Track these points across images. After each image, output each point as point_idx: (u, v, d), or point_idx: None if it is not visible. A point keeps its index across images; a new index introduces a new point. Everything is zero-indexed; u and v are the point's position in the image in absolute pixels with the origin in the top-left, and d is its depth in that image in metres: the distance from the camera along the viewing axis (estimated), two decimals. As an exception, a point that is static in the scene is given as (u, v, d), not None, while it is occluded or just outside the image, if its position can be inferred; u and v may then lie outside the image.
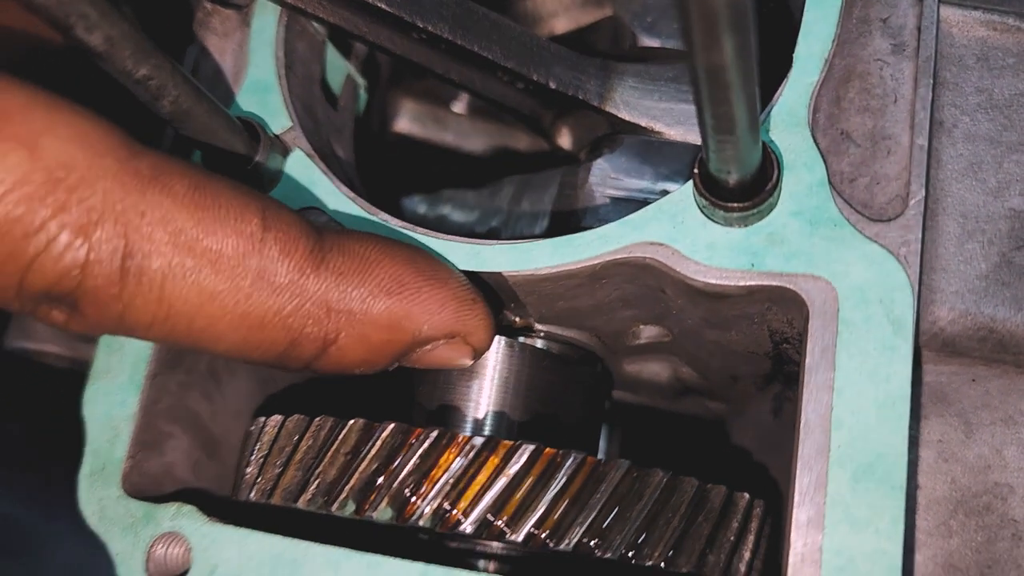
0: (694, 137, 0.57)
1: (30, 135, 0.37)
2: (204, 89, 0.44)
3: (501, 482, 0.41)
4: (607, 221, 0.54)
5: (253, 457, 0.47)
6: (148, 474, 0.49)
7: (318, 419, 0.44)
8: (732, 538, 0.42)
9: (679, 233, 0.44)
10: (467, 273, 0.46)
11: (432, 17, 0.53)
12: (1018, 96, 0.45)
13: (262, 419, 0.47)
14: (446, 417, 0.50)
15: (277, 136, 0.50)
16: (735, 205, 0.42)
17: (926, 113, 0.44)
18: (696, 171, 0.42)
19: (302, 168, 0.50)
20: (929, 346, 0.44)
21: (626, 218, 0.45)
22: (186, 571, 0.45)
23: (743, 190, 0.42)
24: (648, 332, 0.54)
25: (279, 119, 0.51)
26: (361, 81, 0.63)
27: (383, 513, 0.42)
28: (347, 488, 0.42)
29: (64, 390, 0.64)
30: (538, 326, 0.52)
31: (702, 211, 0.44)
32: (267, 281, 0.41)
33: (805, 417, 0.41)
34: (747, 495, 0.44)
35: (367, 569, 0.42)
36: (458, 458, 0.41)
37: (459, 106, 0.72)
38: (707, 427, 0.63)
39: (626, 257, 0.44)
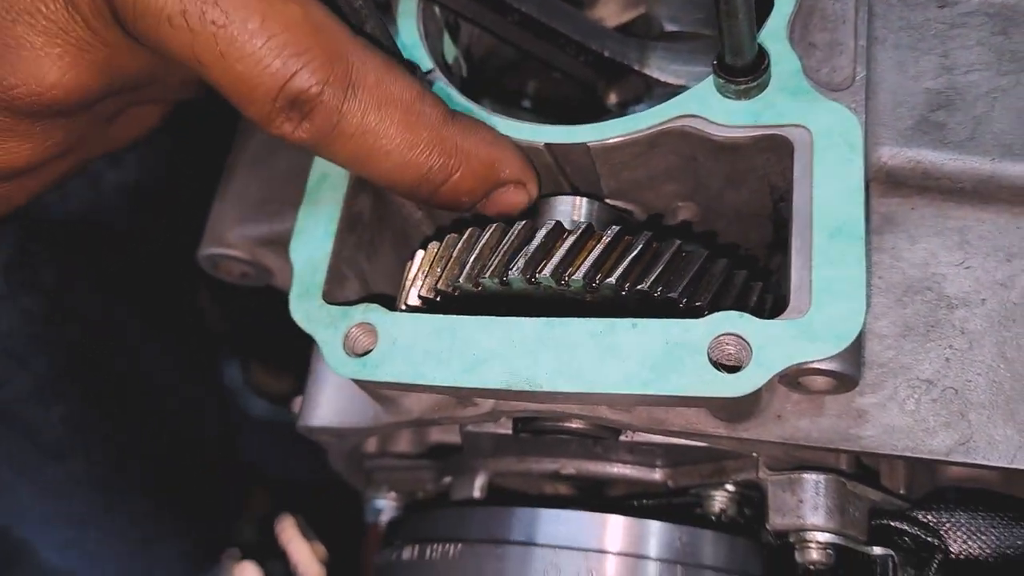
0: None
1: (305, 2, 0.58)
2: (388, 30, 0.66)
3: (597, 250, 0.61)
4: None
5: (415, 271, 0.67)
6: (335, 300, 0.69)
7: (468, 229, 0.65)
8: (755, 296, 0.63)
9: (705, 106, 0.65)
10: (563, 145, 0.68)
11: (526, 2, 0.76)
12: (926, 21, 0.68)
13: (419, 251, 0.68)
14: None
15: (425, 73, 0.72)
16: (742, 80, 0.64)
17: (864, 27, 0.67)
18: (715, 62, 0.65)
19: (442, 94, 0.72)
20: (877, 179, 0.66)
21: (670, 100, 0.67)
22: (373, 348, 0.65)
23: (746, 70, 0.64)
24: (683, 213, 0.75)
25: (424, 64, 0.74)
26: (463, 64, 0.86)
27: (517, 281, 0.62)
28: (491, 267, 0.62)
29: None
30: (607, 201, 0.73)
31: (719, 91, 0.65)
32: (425, 120, 0.63)
33: (796, 205, 0.61)
34: (761, 283, 0.64)
35: (506, 325, 0.62)
36: (569, 238, 0.62)
37: (526, 102, 0.96)
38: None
39: (672, 126, 0.66)
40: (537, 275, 0.61)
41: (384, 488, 0.87)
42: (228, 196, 0.85)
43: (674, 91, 0.80)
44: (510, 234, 0.63)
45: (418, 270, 0.67)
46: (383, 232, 0.75)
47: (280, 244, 0.81)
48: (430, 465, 0.84)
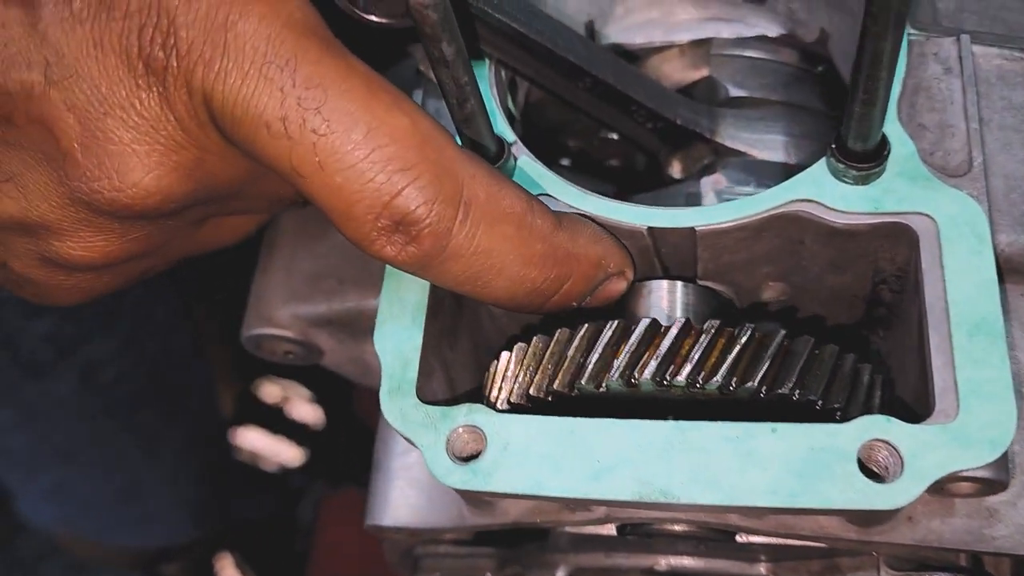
0: (779, 157, 0.77)
1: (412, 112, 0.55)
2: (485, 107, 0.62)
3: (734, 351, 0.58)
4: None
5: (513, 368, 0.62)
6: (425, 395, 0.64)
7: (584, 326, 0.61)
8: (878, 393, 0.60)
9: (821, 191, 0.63)
10: (667, 229, 0.64)
11: (602, 69, 0.73)
12: (1027, 101, 0.67)
13: (518, 344, 0.63)
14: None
15: (509, 145, 0.68)
16: (865, 166, 0.61)
17: (974, 109, 0.65)
18: (834, 146, 0.62)
19: (529, 169, 0.67)
20: (993, 266, 0.64)
21: (783, 184, 0.64)
22: (481, 451, 0.60)
23: (868, 156, 0.62)
24: (771, 292, 0.72)
25: (507, 135, 0.69)
26: (520, 124, 0.81)
27: (647, 384, 0.58)
28: (618, 369, 0.58)
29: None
30: (699, 282, 0.70)
31: (835, 175, 0.63)
32: (537, 232, 0.59)
33: (928, 300, 0.59)
34: (869, 365, 0.62)
35: (632, 429, 0.58)
36: (703, 339, 0.58)
37: (565, 161, 0.92)
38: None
39: (785, 211, 0.63)
40: (671, 379, 0.58)
41: (435, 576, 0.81)
42: (274, 270, 0.78)
43: (743, 160, 0.78)
44: (635, 333, 0.59)
45: (519, 367, 0.62)
46: (461, 316, 0.70)
47: (338, 325, 0.76)
48: (489, 553, 0.79)
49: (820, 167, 0.64)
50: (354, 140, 0.52)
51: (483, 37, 0.71)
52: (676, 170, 0.81)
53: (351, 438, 2.44)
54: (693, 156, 0.80)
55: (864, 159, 0.62)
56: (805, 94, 0.81)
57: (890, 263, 0.66)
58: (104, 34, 0.52)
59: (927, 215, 0.61)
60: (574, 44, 0.72)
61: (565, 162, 0.92)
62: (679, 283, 0.67)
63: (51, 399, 1.62)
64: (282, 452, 2.68)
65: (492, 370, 0.64)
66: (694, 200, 0.77)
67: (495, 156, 0.65)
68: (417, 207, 0.53)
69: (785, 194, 0.63)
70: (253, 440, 2.69)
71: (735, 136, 0.78)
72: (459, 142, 0.65)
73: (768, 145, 0.78)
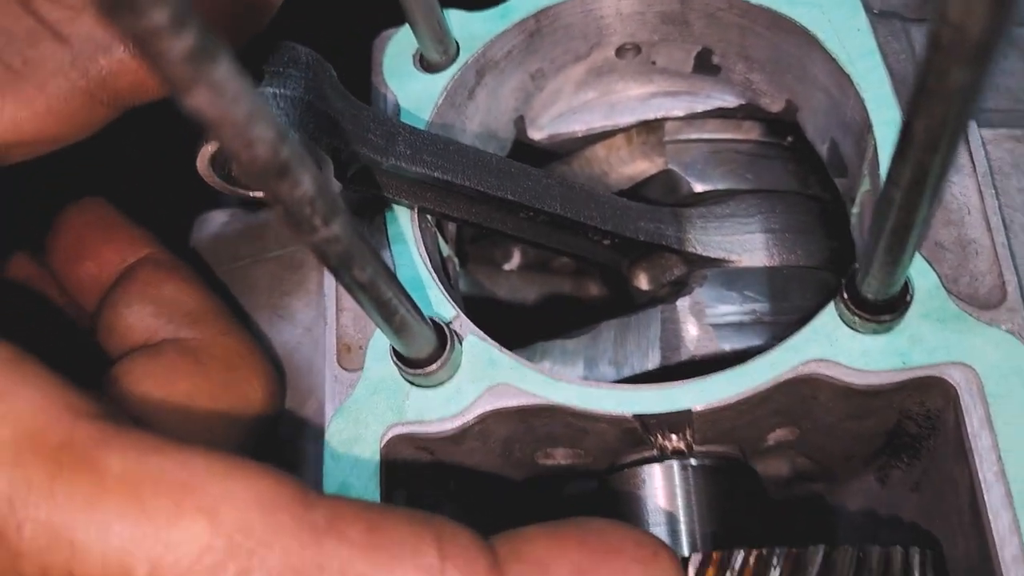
0: (758, 260, 0.67)
1: (211, 504, 0.38)
2: (419, 308, 0.49)
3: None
4: (714, 348, 0.63)
5: None
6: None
7: None
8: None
9: (836, 348, 0.52)
10: (662, 415, 0.53)
11: (546, 199, 0.61)
12: (1050, 192, 0.57)
13: None
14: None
15: (447, 323, 0.56)
16: (886, 317, 0.51)
17: (996, 217, 0.55)
18: (846, 295, 0.51)
19: (479, 352, 0.55)
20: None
21: (786, 343, 0.53)
22: None
23: (888, 304, 0.51)
24: (777, 434, 0.62)
25: (443, 310, 0.57)
26: (456, 260, 0.69)
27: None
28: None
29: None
30: (697, 448, 0.59)
31: (850, 326, 0.52)
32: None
33: (983, 475, 0.49)
34: (917, 551, 0.52)
35: None
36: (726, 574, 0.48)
37: (509, 265, 0.80)
38: (812, 503, 0.71)
39: (795, 376, 0.52)
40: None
41: None
42: None
43: (721, 270, 0.67)
44: None
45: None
46: None
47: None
48: None
49: (830, 317, 0.53)
50: None
51: (402, 191, 0.58)
52: (643, 282, 0.69)
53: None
54: (661, 266, 0.68)
55: (883, 310, 0.51)
56: (776, 174, 0.70)
57: (919, 406, 0.56)
58: None
59: (966, 364, 0.51)
60: (509, 178, 0.60)
61: (509, 266, 0.80)
62: (675, 465, 0.57)
63: None
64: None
65: None
66: (672, 327, 0.65)
67: (435, 350, 0.53)
68: None
69: (793, 356, 0.53)
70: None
71: (707, 242, 0.67)
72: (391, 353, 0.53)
73: (746, 247, 0.67)
